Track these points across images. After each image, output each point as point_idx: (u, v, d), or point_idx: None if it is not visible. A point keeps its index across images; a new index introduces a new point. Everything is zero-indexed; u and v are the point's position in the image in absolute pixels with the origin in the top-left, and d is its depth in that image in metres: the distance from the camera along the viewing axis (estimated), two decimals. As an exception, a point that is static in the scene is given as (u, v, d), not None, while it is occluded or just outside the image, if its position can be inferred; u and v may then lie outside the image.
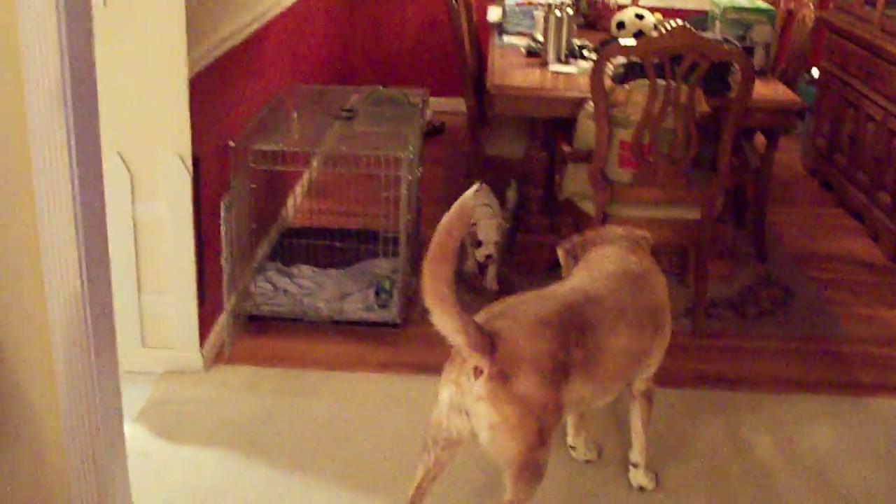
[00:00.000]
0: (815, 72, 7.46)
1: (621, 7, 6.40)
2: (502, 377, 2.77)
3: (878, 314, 5.04)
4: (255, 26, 4.72)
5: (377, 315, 4.57)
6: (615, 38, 5.35)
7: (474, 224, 4.88)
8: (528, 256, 5.24)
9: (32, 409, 2.68)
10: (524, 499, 2.93)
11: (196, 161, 3.90)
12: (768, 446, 3.86)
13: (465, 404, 2.83)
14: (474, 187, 2.76)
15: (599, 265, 3.30)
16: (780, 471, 3.72)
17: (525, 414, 2.80)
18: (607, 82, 4.48)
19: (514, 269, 5.20)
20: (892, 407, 4.19)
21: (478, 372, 2.78)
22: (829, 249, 5.85)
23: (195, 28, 3.80)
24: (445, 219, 2.67)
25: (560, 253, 3.54)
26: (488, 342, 2.76)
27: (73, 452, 2.74)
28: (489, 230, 4.88)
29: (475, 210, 4.89)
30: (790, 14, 5.82)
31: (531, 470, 2.88)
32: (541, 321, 2.89)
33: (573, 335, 2.93)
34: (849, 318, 4.97)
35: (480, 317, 2.91)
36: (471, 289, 4.96)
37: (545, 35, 5.41)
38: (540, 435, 2.84)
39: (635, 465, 3.57)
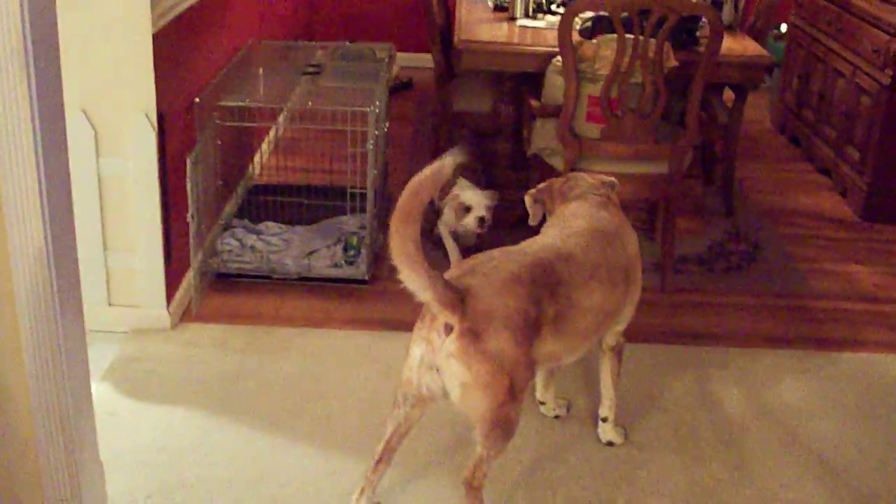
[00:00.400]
0: (784, 27, 7.45)
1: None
2: (472, 334, 2.76)
3: (845, 269, 5.06)
4: (220, -20, 4.68)
5: (345, 272, 4.56)
6: (583, -7, 5.32)
7: (456, 196, 4.81)
8: (496, 211, 5.22)
9: (-3, 369, 2.66)
10: (494, 454, 2.93)
11: (161, 117, 3.86)
12: (737, 401, 3.88)
13: (436, 361, 2.82)
14: (453, 154, 2.73)
15: (571, 222, 3.29)
16: (749, 426, 3.73)
17: (496, 371, 2.79)
18: (575, 37, 4.46)
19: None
20: (860, 361, 4.21)
21: (448, 329, 2.77)
22: (798, 205, 5.87)
23: (159, -18, 3.76)
24: (416, 178, 2.64)
25: (527, 200, 3.54)
26: (458, 299, 2.75)
27: (40, 412, 2.71)
28: (479, 197, 4.78)
29: (464, 191, 4.83)
30: (759, -32, 5.81)
31: (502, 426, 2.87)
32: (512, 278, 2.88)
33: (545, 292, 2.92)
34: (817, 273, 4.99)
35: (451, 273, 2.89)
36: (438, 246, 4.93)
37: (513, -11, 5.39)
38: (511, 391, 2.83)
39: (604, 420, 3.58)
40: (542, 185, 3.55)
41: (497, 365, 2.78)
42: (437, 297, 2.72)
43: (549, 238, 3.21)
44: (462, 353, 2.76)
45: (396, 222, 2.65)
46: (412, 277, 2.68)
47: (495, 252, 3.04)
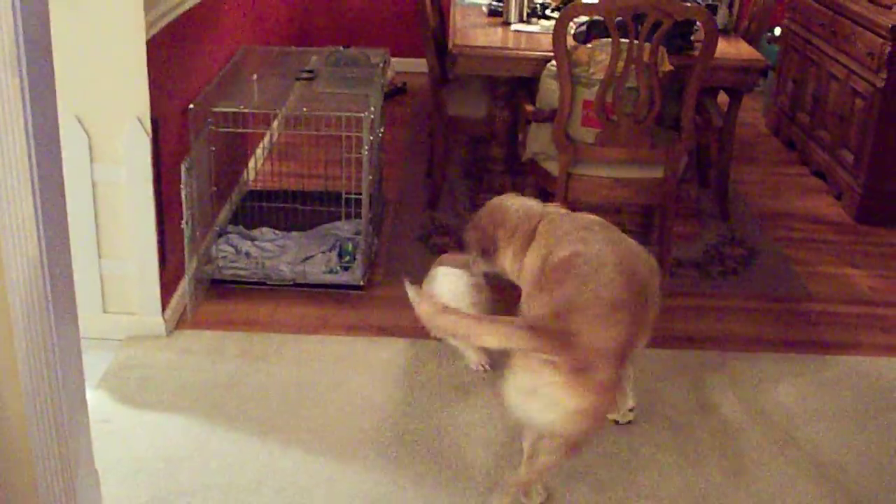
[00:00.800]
0: (778, 30, 7.45)
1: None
2: (582, 371, 2.79)
3: (841, 272, 5.05)
4: (214, -14, 4.67)
5: (340, 277, 4.55)
6: (578, -3, 5.32)
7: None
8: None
9: (-8, 377, 2.65)
10: (563, 464, 3.03)
11: (155, 124, 3.85)
12: (734, 405, 3.87)
13: (538, 387, 2.84)
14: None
15: (602, 226, 3.32)
16: (746, 429, 3.73)
17: (602, 400, 2.84)
18: (570, 41, 4.46)
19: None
20: (856, 365, 4.20)
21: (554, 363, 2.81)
22: (793, 208, 5.86)
23: (152, -12, 3.75)
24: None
25: (479, 266, 3.59)
26: (561, 342, 2.79)
27: (35, 420, 2.70)
28: (461, 295, 3.90)
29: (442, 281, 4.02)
30: (753, -28, 5.81)
31: (584, 443, 2.98)
32: (615, 306, 2.93)
33: (642, 309, 3.04)
34: (812, 276, 4.98)
35: (548, 309, 2.90)
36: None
37: (507, -6, 5.39)
38: (605, 414, 2.93)
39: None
40: (474, 236, 3.57)
41: (603, 394, 2.83)
42: (539, 348, 2.77)
43: (612, 236, 3.26)
44: (571, 385, 2.78)
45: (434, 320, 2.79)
46: (504, 339, 2.74)
47: (583, 269, 3.05)
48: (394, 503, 3.26)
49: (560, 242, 3.28)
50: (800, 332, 4.44)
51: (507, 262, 3.47)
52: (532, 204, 3.53)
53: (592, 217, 3.42)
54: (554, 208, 3.52)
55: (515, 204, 3.52)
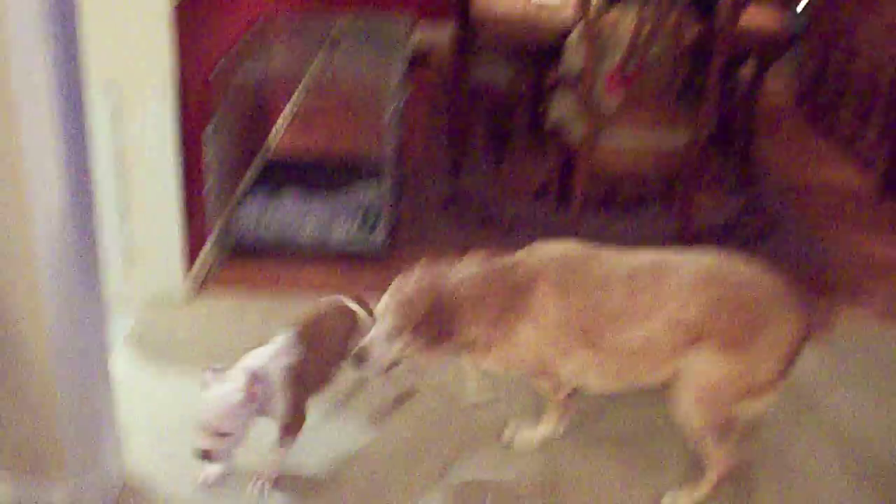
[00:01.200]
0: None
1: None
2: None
3: (864, 243, 5.03)
4: (238, -48, 4.67)
5: (363, 241, 4.56)
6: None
7: None
8: (515, 181, 5.23)
9: (19, 338, 2.67)
10: None
11: (180, 89, 3.86)
12: (754, 373, 3.87)
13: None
14: None
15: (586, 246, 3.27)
16: (765, 398, 3.73)
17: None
18: (594, 8, 4.44)
19: (502, 194, 5.19)
20: (879, 333, 4.19)
21: None
22: (816, 179, 5.84)
23: (177, -46, 3.75)
24: None
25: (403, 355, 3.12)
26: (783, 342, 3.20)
27: (61, 380, 2.73)
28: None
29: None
30: (779, -60, 5.78)
31: None
32: (743, 280, 3.21)
33: (730, 259, 3.33)
34: (835, 247, 4.97)
35: (738, 344, 3.08)
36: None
37: (531, -39, 5.37)
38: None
39: None
40: (425, 333, 3.06)
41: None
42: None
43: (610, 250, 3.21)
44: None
45: None
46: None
47: (689, 281, 3.16)
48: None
49: (601, 283, 3.06)
50: (822, 300, 4.43)
51: (477, 334, 3.09)
52: (466, 267, 3.18)
53: (564, 245, 3.19)
54: (496, 259, 3.18)
55: (448, 282, 3.14)
